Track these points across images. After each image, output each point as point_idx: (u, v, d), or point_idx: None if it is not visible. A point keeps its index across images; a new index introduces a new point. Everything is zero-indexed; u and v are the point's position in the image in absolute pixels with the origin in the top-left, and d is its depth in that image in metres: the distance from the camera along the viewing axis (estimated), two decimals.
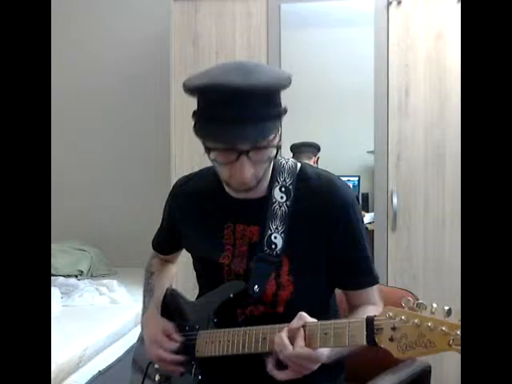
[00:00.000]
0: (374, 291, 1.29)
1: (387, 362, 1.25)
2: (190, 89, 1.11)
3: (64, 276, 3.00)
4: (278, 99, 1.14)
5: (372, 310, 1.19)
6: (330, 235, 1.23)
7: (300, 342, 1.06)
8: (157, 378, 1.30)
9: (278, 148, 1.17)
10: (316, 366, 1.09)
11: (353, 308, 1.28)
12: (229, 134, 1.09)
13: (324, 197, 1.23)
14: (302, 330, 1.08)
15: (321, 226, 1.23)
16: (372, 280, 1.29)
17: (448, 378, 2.39)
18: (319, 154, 2.71)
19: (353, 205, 1.25)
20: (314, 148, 2.72)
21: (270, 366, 1.10)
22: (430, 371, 1.35)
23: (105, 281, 2.91)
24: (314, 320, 1.11)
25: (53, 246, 2.88)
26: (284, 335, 1.08)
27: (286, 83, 1.13)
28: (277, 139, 1.15)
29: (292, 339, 1.08)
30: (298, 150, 2.68)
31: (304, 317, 1.11)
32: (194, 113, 1.14)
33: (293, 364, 1.07)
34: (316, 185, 1.25)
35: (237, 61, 1.17)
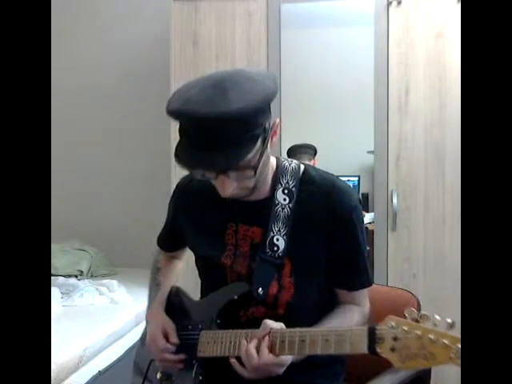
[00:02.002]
0: (364, 293, 1.31)
1: (387, 363, 1.25)
2: (167, 112, 1.10)
3: (64, 276, 3.00)
4: (254, 120, 1.08)
5: (355, 312, 1.27)
6: (331, 238, 1.23)
7: (265, 349, 1.11)
8: (158, 375, 1.31)
9: (256, 167, 1.12)
10: (281, 370, 1.13)
11: (338, 303, 1.30)
12: (195, 159, 1.08)
13: (327, 200, 1.23)
14: (267, 338, 1.12)
15: (323, 228, 1.23)
16: (366, 283, 1.31)
17: (448, 378, 2.39)
18: (318, 155, 2.70)
19: (355, 209, 1.25)
20: (312, 150, 2.71)
21: (239, 368, 1.14)
22: (429, 371, 1.35)
23: (105, 281, 2.90)
24: (280, 326, 1.15)
25: (53, 246, 2.88)
26: (251, 346, 1.12)
27: (261, 105, 1.07)
28: (256, 158, 1.11)
29: (258, 347, 1.12)
30: (295, 152, 2.66)
31: (268, 325, 1.14)
32: (178, 131, 1.13)
33: (258, 370, 1.12)
34: (319, 187, 1.25)
35: (220, 74, 1.11)
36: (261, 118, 1.10)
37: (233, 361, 1.14)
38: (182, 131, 1.11)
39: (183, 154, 1.10)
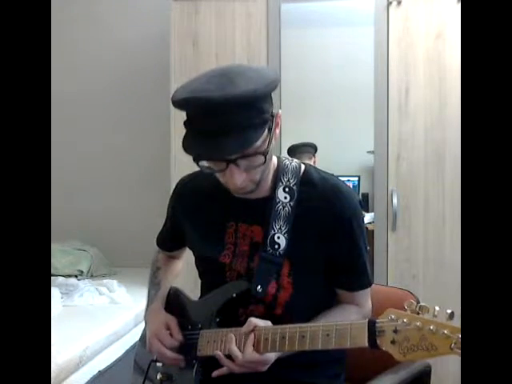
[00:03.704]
0: (364, 293, 1.31)
1: (387, 362, 1.25)
2: (173, 103, 1.11)
3: (64, 276, 3.00)
4: (262, 106, 1.10)
5: (353, 311, 1.27)
6: (331, 239, 1.23)
7: (249, 347, 1.13)
8: (158, 376, 1.31)
9: (265, 153, 1.13)
10: (266, 367, 1.14)
11: (337, 302, 1.31)
12: (207, 146, 1.08)
13: (329, 202, 1.23)
14: (252, 335, 1.14)
15: (323, 230, 1.23)
16: (365, 284, 1.31)
17: (448, 377, 2.39)
18: (319, 155, 2.70)
19: (356, 213, 1.25)
20: (312, 148, 2.71)
21: (226, 362, 1.16)
22: (430, 371, 1.35)
23: (105, 281, 2.91)
24: (267, 324, 1.16)
25: (53, 246, 2.88)
26: (233, 345, 1.14)
27: (268, 90, 1.10)
28: (265, 145, 1.12)
29: (242, 344, 1.14)
30: (295, 151, 2.66)
31: (253, 322, 1.15)
32: (184, 123, 1.14)
33: (245, 367, 1.14)
34: (321, 189, 1.25)
35: (226, 66, 1.15)
36: (267, 105, 1.12)
37: (217, 353, 1.16)
38: (189, 122, 1.11)
39: (193, 144, 1.10)
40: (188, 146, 1.11)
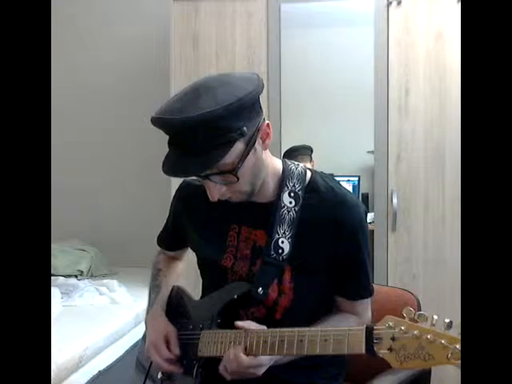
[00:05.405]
0: (364, 302, 1.30)
1: (386, 363, 1.25)
2: None
3: (64, 276, 3.00)
4: (228, 124, 1.06)
5: (351, 320, 1.26)
6: (335, 248, 1.23)
7: (240, 351, 1.12)
8: (159, 375, 1.31)
9: (235, 171, 1.10)
10: (261, 371, 1.14)
11: (336, 311, 1.31)
12: (173, 164, 1.10)
13: (334, 212, 1.22)
14: (244, 340, 1.14)
15: (327, 238, 1.22)
16: (366, 294, 1.30)
17: (448, 377, 2.39)
18: (319, 155, 2.70)
19: (361, 224, 1.25)
20: (310, 150, 2.70)
21: (222, 368, 1.15)
22: (429, 371, 1.35)
23: (105, 281, 2.90)
24: (262, 327, 1.16)
25: (53, 246, 2.88)
26: (234, 351, 1.13)
27: (232, 109, 1.05)
28: (235, 162, 1.10)
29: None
30: (295, 154, 2.64)
31: (248, 325, 1.16)
32: None
33: (239, 372, 1.13)
34: (327, 197, 1.23)
35: (201, 80, 1.12)
36: (235, 122, 1.07)
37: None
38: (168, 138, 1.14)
39: (164, 161, 1.13)
40: (163, 161, 1.13)
